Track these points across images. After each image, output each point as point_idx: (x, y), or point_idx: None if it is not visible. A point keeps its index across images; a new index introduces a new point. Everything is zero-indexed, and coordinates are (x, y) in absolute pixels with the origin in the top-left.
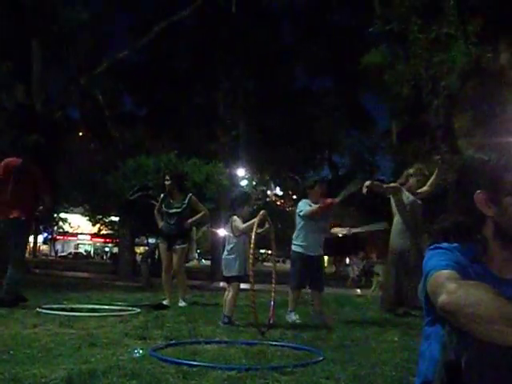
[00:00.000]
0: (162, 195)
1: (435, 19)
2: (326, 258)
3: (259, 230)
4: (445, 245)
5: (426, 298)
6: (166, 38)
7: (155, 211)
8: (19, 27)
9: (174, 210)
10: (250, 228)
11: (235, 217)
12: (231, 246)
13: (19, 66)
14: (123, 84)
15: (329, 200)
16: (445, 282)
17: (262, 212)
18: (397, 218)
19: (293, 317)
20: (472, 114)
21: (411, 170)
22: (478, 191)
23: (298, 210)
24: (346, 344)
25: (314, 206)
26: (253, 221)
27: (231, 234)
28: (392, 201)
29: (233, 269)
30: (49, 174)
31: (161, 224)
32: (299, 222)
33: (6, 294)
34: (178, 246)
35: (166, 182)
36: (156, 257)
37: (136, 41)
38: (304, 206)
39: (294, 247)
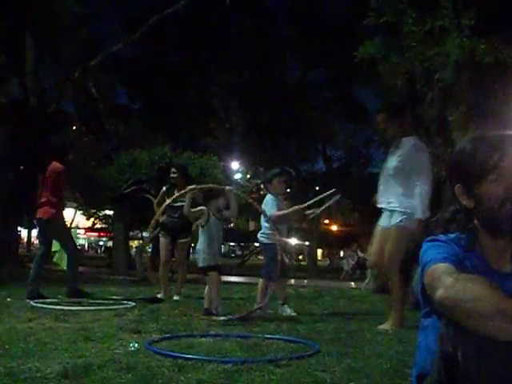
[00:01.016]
0: (164, 188)
1: (429, 12)
2: (319, 251)
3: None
4: (442, 237)
5: (423, 290)
6: (160, 31)
7: (155, 204)
8: (12, 20)
9: (180, 204)
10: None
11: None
12: (201, 237)
13: (13, 59)
14: (118, 77)
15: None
16: (442, 276)
17: (191, 187)
18: None
19: (287, 310)
20: (466, 106)
21: None
22: (457, 184)
23: (264, 206)
24: (341, 337)
25: (281, 212)
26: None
27: (200, 226)
28: None
29: (202, 259)
30: (42, 168)
31: (161, 217)
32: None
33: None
34: (181, 240)
35: (173, 175)
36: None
37: (130, 34)
38: (271, 205)
39: (267, 240)
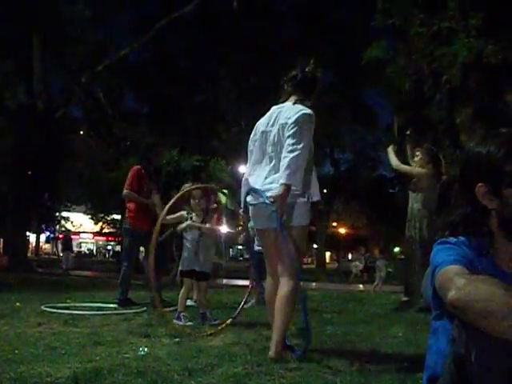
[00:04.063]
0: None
1: (436, 13)
2: (328, 253)
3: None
4: (452, 239)
5: (434, 293)
6: (167, 35)
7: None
8: (21, 26)
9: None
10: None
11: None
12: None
13: (21, 65)
14: (125, 82)
15: None
16: (453, 277)
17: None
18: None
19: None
20: (474, 107)
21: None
22: (480, 184)
23: None
24: (351, 339)
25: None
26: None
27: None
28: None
29: (180, 263)
30: (51, 173)
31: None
32: None
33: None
34: None
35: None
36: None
37: (137, 38)
38: None
39: None
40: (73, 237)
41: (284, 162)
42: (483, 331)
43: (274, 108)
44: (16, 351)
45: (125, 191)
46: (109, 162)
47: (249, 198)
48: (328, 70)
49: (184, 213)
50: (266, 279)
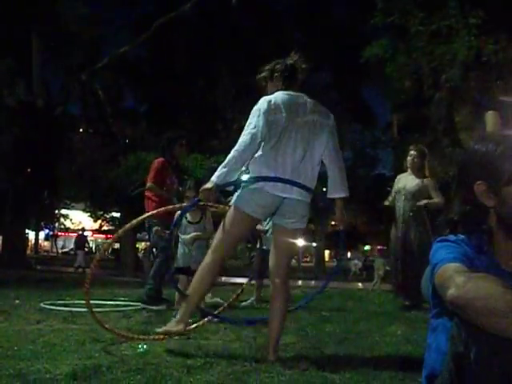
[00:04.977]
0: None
1: (436, 12)
2: (327, 252)
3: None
4: (452, 237)
5: (433, 291)
6: (166, 33)
7: None
8: (20, 24)
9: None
10: None
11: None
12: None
13: (20, 62)
14: (124, 79)
15: None
16: (453, 275)
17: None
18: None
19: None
20: (473, 106)
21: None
22: (478, 182)
23: None
24: (350, 338)
25: None
26: None
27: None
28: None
29: (177, 261)
30: (50, 171)
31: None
32: None
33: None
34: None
35: None
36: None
37: (137, 36)
38: None
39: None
40: (71, 234)
41: (337, 177)
42: (483, 329)
43: (289, 94)
44: (15, 348)
45: (149, 184)
46: (108, 160)
47: (253, 186)
48: (327, 68)
49: (179, 213)
50: (213, 256)
